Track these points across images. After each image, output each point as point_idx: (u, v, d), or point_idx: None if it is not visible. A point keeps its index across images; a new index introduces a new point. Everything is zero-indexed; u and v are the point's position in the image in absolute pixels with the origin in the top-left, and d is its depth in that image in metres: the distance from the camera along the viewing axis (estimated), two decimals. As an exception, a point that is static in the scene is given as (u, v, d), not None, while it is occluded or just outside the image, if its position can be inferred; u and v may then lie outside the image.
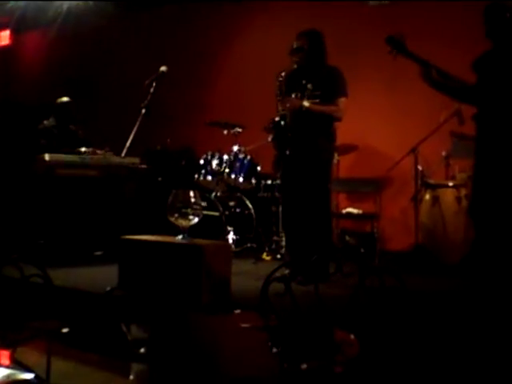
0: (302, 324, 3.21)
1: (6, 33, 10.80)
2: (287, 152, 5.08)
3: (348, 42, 7.04)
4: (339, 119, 4.91)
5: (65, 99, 6.67)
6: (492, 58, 3.81)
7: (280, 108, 5.18)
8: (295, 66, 5.03)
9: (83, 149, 5.95)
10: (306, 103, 4.82)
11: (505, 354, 2.81)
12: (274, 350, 2.99)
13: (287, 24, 7.40)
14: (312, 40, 4.93)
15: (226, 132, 6.80)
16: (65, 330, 3.24)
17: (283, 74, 5.14)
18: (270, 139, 5.55)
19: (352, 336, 2.85)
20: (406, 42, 3.99)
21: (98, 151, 6.02)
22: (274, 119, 5.22)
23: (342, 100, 4.87)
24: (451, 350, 2.90)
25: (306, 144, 4.90)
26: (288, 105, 4.98)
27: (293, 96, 4.93)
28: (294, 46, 4.97)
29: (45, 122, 6.58)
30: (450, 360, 2.78)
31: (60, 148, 5.95)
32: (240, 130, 6.74)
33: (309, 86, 4.89)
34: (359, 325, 3.08)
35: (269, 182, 6.67)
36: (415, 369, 2.69)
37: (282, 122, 5.14)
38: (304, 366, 2.66)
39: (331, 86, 4.86)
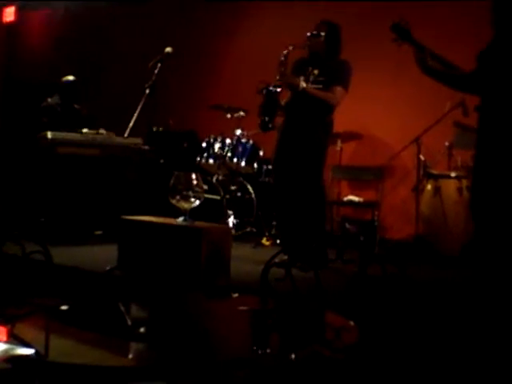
0: (301, 309, 3.22)
1: (11, 9, 10.73)
2: (267, 119, 5.06)
3: (352, 31, 6.96)
4: (332, 106, 4.91)
5: (70, 78, 6.65)
6: (496, 48, 3.78)
7: (278, 79, 5.15)
8: (307, 50, 5.02)
9: (85, 130, 5.93)
10: (303, 83, 4.83)
11: (503, 344, 2.82)
12: (272, 333, 3.00)
13: (292, 10, 7.38)
14: (331, 30, 4.98)
15: (229, 116, 6.80)
16: (64, 308, 3.25)
17: (291, 48, 5.09)
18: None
19: (351, 322, 2.86)
20: (411, 29, 3.95)
21: (101, 130, 6.01)
22: (268, 86, 5.19)
23: (339, 89, 4.87)
24: (450, 339, 2.91)
25: (301, 131, 4.91)
26: (285, 79, 4.98)
27: (300, 78, 4.93)
28: (314, 30, 4.96)
29: (48, 99, 6.57)
30: (449, 348, 2.79)
31: (62, 127, 5.94)
32: (243, 114, 6.72)
33: (315, 71, 4.91)
34: (359, 311, 3.09)
35: (270, 166, 6.66)
36: (414, 356, 2.70)
37: (279, 89, 5.12)
38: (292, 356, 2.66)
39: (334, 75, 4.87)
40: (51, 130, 5.66)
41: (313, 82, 4.88)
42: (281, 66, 5.04)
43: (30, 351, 2.45)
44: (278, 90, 5.12)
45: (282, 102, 5.14)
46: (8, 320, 2.95)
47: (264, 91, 5.15)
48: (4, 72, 10.56)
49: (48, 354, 2.50)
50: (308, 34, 4.97)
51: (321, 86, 4.86)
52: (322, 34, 4.92)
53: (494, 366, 2.63)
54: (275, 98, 5.10)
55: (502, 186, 3.67)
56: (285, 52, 5.01)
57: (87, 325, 3.13)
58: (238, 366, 2.48)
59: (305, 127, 4.91)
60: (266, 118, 5.04)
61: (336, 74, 4.88)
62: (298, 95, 4.93)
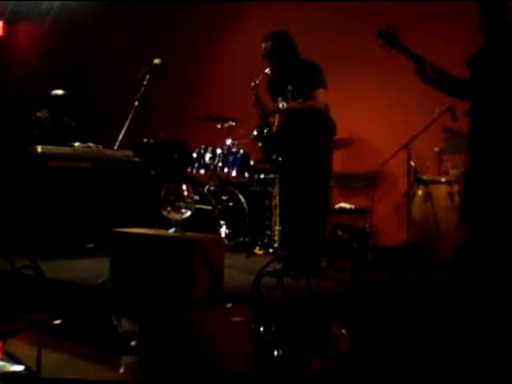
0: (293, 318, 3.21)
1: (-1, 24, 10.74)
2: (279, 157, 5.14)
3: (341, 36, 7.04)
4: (319, 111, 4.89)
5: (59, 92, 6.64)
6: (485, 53, 3.80)
7: (259, 115, 5.21)
8: (267, 71, 5.02)
9: (76, 144, 5.92)
10: (283, 104, 4.84)
11: (496, 349, 2.82)
12: (264, 344, 2.99)
13: (282, 18, 7.39)
14: (278, 41, 4.94)
15: (219, 126, 6.80)
16: (56, 323, 3.23)
17: (255, 82, 5.15)
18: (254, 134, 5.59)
19: (343, 331, 2.85)
20: (398, 35, 3.97)
21: (90, 144, 6.00)
22: (256, 129, 5.26)
23: (319, 91, 4.86)
24: (443, 346, 2.90)
25: (304, 139, 4.90)
26: (263, 110, 5.03)
27: (279, 99, 4.94)
28: (263, 50, 4.99)
29: (37, 113, 6.56)
30: (442, 355, 2.79)
31: (52, 140, 5.92)
32: (233, 123, 6.74)
33: (289, 87, 4.91)
34: (351, 319, 3.08)
35: (262, 175, 6.67)
36: (407, 364, 2.69)
37: (265, 130, 5.19)
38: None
39: (307, 81, 4.86)
40: (41, 144, 5.64)
41: (293, 99, 4.88)
42: (255, 104, 5.09)
43: (20, 368, 2.43)
44: (265, 131, 5.19)
45: (274, 129, 5.17)
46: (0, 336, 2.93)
47: (256, 135, 5.23)
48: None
49: (40, 369, 2.48)
50: (262, 54, 4.98)
51: (301, 100, 4.86)
52: (272, 51, 4.91)
53: (487, 372, 2.63)
54: (270, 136, 5.15)
55: (494, 189, 3.68)
56: (253, 90, 5.05)
57: (80, 339, 3.12)
58: (232, 378, 2.47)
59: (307, 138, 4.90)
60: (276, 158, 5.13)
61: (308, 79, 4.87)
62: (286, 116, 4.94)
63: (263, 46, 4.97)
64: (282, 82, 4.96)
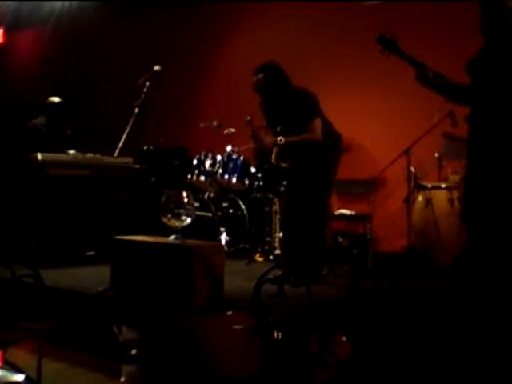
0: (294, 325, 3.21)
1: (-1, 31, 10.76)
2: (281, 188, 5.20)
3: (342, 41, 7.05)
4: (318, 141, 4.89)
5: (56, 99, 6.64)
6: (485, 57, 3.79)
7: (257, 152, 5.26)
8: (261, 103, 5.04)
9: (71, 151, 5.93)
10: (279, 139, 4.85)
11: (496, 356, 2.82)
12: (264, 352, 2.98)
13: (282, 24, 7.41)
14: (269, 74, 4.96)
15: (219, 132, 6.79)
16: (56, 331, 3.22)
17: (249, 118, 5.19)
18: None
19: (344, 338, 2.85)
20: (398, 41, 3.97)
21: (88, 154, 6.00)
22: (263, 165, 5.31)
23: (314, 122, 4.85)
24: (443, 352, 2.90)
25: (310, 152, 4.90)
26: (262, 146, 5.08)
27: (278, 129, 4.97)
28: (253, 84, 5.01)
29: (33, 120, 6.56)
30: (442, 361, 2.78)
31: (48, 147, 5.93)
32: (233, 130, 6.73)
33: (278, 129, 4.95)
34: (352, 326, 3.08)
35: (262, 183, 6.67)
36: (408, 371, 2.68)
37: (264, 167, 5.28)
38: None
39: (302, 113, 4.87)
40: (37, 151, 5.64)
41: (291, 132, 4.89)
42: (252, 139, 5.13)
43: (20, 377, 2.43)
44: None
45: (273, 159, 5.19)
46: (0, 345, 2.92)
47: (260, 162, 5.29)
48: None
49: (40, 378, 2.48)
50: (253, 87, 5.01)
51: (295, 133, 4.88)
52: (264, 84, 4.94)
53: (487, 376, 2.62)
54: (274, 168, 5.19)
55: (494, 195, 3.68)
56: (250, 126, 5.09)
57: (80, 347, 3.11)
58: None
59: (310, 151, 4.90)
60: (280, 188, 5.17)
61: (303, 110, 4.88)
62: (285, 148, 4.97)
63: (254, 78, 5.00)
64: (277, 112, 4.98)
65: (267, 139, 5.02)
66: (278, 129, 4.98)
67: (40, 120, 6.54)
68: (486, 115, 3.73)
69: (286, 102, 4.94)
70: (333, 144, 4.98)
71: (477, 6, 3.89)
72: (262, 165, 5.39)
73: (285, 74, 4.98)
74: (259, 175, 6.06)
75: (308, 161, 4.91)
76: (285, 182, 5.37)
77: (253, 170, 6.63)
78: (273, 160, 5.17)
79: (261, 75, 4.97)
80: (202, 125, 6.79)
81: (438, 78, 3.91)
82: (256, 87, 5.00)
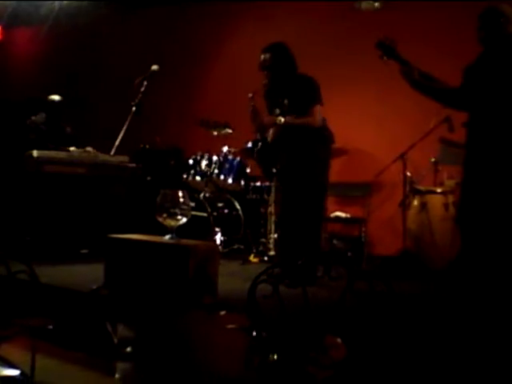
0: (288, 326, 3.21)
1: (-3, 28, 10.74)
2: (274, 171, 5.16)
3: (340, 47, 7.06)
4: (316, 127, 4.90)
5: (56, 97, 6.64)
6: (483, 64, 3.81)
7: (256, 129, 5.24)
8: (266, 83, 5.03)
9: (72, 148, 5.92)
10: (279, 119, 4.85)
11: (490, 360, 2.82)
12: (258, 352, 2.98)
13: (280, 26, 7.41)
14: (276, 54, 4.95)
15: (215, 133, 6.80)
16: (50, 328, 3.22)
17: (251, 95, 5.18)
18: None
19: (339, 339, 2.85)
20: (396, 46, 3.98)
21: (88, 148, 6.00)
22: (250, 142, 5.28)
23: (316, 108, 4.86)
24: (437, 355, 2.90)
25: (301, 150, 4.90)
26: (261, 125, 5.06)
27: (277, 111, 4.95)
28: (261, 62, 4.99)
29: (33, 117, 6.55)
30: (436, 363, 2.79)
31: (47, 145, 5.92)
32: (230, 131, 6.73)
33: (285, 101, 4.92)
34: (346, 328, 3.08)
35: (258, 183, 6.68)
36: (402, 372, 2.69)
37: (259, 144, 5.22)
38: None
39: (304, 97, 4.87)
40: (36, 148, 5.64)
41: (287, 112, 4.88)
42: (252, 116, 5.12)
43: (15, 372, 2.43)
44: (259, 144, 5.22)
45: (269, 139, 5.17)
46: (-7, 341, 2.92)
47: (250, 147, 5.25)
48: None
49: (34, 374, 2.48)
50: (260, 65, 4.99)
51: (295, 115, 4.86)
52: (270, 63, 4.92)
53: (481, 380, 2.63)
54: (266, 148, 5.17)
55: (490, 200, 3.69)
56: (251, 103, 5.08)
57: (74, 345, 3.11)
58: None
59: (303, 147, 4.90)
60: (271, 169, 5.16)
61: (306, 95, 4.88)
62: (282, 129, 4.95)
63: (262, 57, 4.98)
64: (279, 94, 4.97)
65: (267, 118, 5.00)
66: (278, 111, 4.95)
67: (39, 117, 6.53)
68: (484, 122, 3.74)
69: (290, 84, 4.92)
70: (324, 142, 4.98)
71: (476, 12, 3.92)
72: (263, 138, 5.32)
73: (292, 56, 4.98)
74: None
75: (301, 160, 4.90)
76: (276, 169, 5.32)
77: (248, 170, 6.64)
78: (269, 139, 5.15)
79: (268, 54, 4.95)
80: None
81: (426, 78, 3.93)
82: (262, 65, 4.97)
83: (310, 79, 4.94)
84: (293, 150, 4.94)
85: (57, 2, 9.19)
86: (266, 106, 5.15)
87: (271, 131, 5.08)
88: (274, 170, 5.30)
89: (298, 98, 4.88)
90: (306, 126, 4.84)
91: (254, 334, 3.12)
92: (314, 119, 4.85)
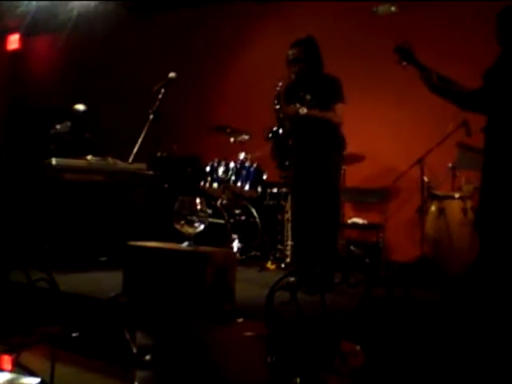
0: (307, 334, 3.21)
1: (16, 37, 10.83)
2: (286, 163, 5.13)
3: (357, 51, 7.05)
4: (338, 124, 4.90)
5: (81, 107, 6.71)
6: (502, 66, 3.77)
7: (278, 117, 5.21)
8: (293, 77, 5.02)
9: (89, 156, 5.96)
10: (302, 110, 4.83)
11: (508, 367, 2.80)
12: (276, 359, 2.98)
13: (296, 32, 7.40)
14: (308, 49, 4.94)
15: (232, 140, 6.82)
16: (70, 335, 3.24)
17: (280, 83, 5.16)
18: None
19: (358, 347, 2.84)
20: (414, 51, 3.96)
21: (109, 159, 6.03)
22: (272, 129, 5.25)
23: (339, 106, 4.87)
24: (456, 362, 2.89)
25: (313, 152, 4.89)
26: (283, 113, 5.02)
27: (297, 106, 4.93)
28: (290, 55, 4.97)
29: (57, 126, 6.61)
30: (455, 371, 2.77)
31: (70, 154, 5.96)
32: (247, 137, 6.74)
33: (307, 97, 4.90)
34: (365, 335, 3.07)
35: (274, 190, 6.68)
36: (420, 380, 2.68)
37: (280, 131, 5.18)
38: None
39: (328, 95, 4.87)
40: (58, 157, 5.68)
41: (308, 107, 4.88)
42: (275, 103, 5.09)
43: (35, 380, 2.44)
44: (280, 131, 5.18)
45: (286, 128, 5.15)
46: (14, 349, 2.94)
47: (270, 135, 5.21)
48: (10, 99, 10.62)
49: (54, 383, 2.49)
50: (289, 59, 4.98)
51: (317, 111, 4.86)
52: (301, 57, 4.91)
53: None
54: (283, 138, 5.14)
55: (509, 205, 3.66)
56: (277, 88, 5.06)
57: (93, 352, 3.12)
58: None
59: (315, 149, 4.89)
60: (285, 162, 5.13)
61: (330, 92, 4.87)
62: (298, 122, 4.93)
63: (291, 51, 4.97)
64: (302, 89, 4.96)
65: (290, 107, 4.98)
66: (298, 105, 4.93)
67: (64, 126, 6.59)
68: (503, 126, 3.71)
69: (315, 81, 4.93)
70: (337, 147, 4.96)
71: (493, 15, 3.89)
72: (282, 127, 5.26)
73: (320, 54, 4.98)
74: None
75: (311, 163, 4.89)
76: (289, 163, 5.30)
77: (265, 176, 6.63)
78: (286, 128, 5.12)
79: (299, 47, 4.94)
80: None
81: (445, 82, 3.90)
82: (291, 59, 4.95)
83: (336, 78, 4.95)
84: (305, 157, 4.92)
85: (75, 8, 9.26)
86: (284, 99, 5.12)
87: (288, 125, 5.07)
88: (287, 163, 5.25)
89: (321, 95, 4.87)
90: (324, 123, 4.83)
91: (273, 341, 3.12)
92: (336, 116, 4.85)
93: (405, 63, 3.96)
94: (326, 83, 4.92)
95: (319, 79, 4.94)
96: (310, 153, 4.91)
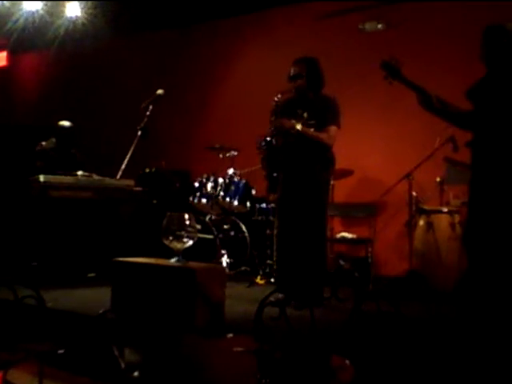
0: (296, 349, 3.20)
1: (3, 54, 10.82)
2: (275, 174, 5.12)
3: (344, 67, 7.09)
4: (328, 146, 4.92)
5: (67, 123, 6.68)
6: (487, 84, 3.82)
7: (272, 128, 5.20)
8: (293, 92, 5.05)
9: (79, 172, 5.94)
10: (298, 126, 4.84)
11: (499, 381, 2.81)
12: (266, 375, 2.97)
13: (283, 50, 7.45)
14: (310, 67, 4.97)
15: (221, 155, 6.82)
16: (58, 352, 3.21)
17: (279, 96, 5.17)
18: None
19: (347, 361, 2.84)
20: (402, 67, 3.99)
21: (94, 175, 6.01)
22: (266, 138, 5.25)
23: (333, 128, 4.88)
24: (444, 377, 2.88)
25: (302, 170, 4.90)
26: (279, 125, 5.01)
27: (294, 121, 4.95)
28: (292, 72, 4.99)
29: (43, 143, 6.59)
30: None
31: (56, 171, 5.94)
32: (235, 153, 6.75)
33: (304, 115, 4.92)
34: (354, 350, 3.07)
35: (263, 205, 6.67)
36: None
37: (274, 141, 5.17)
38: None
39: (325, 115, 4.89)
40: (45, 174, 5.66)
41: (303, 125, 4.89)
42: (272, 115, 5.09)
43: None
44: (274, 141, 5.17)
45: (278, 142, 5.15)
46: (1, 366, 2.91)
47: (263, 144, 5.21)
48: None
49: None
50: (290, 75, 5.00)
51: (312, 129, 4.88)
52: (302, 74, 4.93)
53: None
54: (275, 148, 5.15)
55: (496, 220, 3.68)
56: (276, 99, 5.07)
57: (80, 369, 3.09)
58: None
59: (305, 166, 4.90)
60: (274, 174, 5.13)
61: (326, 113, 4.89)
62: (290, 138, 4.94)
63: (293, 68, 5.00)
64: (300, 106, 4.98)
65: (286, 121, 4.98)
66: (294, 121, 4.94)
67: (50, 143, 6.57)
68: (488, 142, 3.74)
69: (314, 99, 4.95)
70: (326, 166, 4.97)
71: (479, 32, 3.92)
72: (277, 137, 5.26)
73: (322, 73, 5.01)
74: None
75: (300, 180, 4.90)
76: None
77: (254, 192, 6.63)
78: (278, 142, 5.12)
79: (302, 65, 4.96)
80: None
81: (441, 103, 3.93)
82: (292, 74, 4.97)
83: (335, 100, 4.98)
84: (294, 173, 4.93)
85: (62, 26, 9.26)
86: (281, 113, 5.13)
87: (281, 139, 5.08)
88: (275, 174, 5.25)
89: (318, 114, 4.89)
90: (317, 141, 4.85)
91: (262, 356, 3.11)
92: (328, 137, 4.87)
93: (391, 79, 3.97)
94: (323, 103, 4.94)
95: (318, 98, 4.97)
96: (299, 170, 4.92)
